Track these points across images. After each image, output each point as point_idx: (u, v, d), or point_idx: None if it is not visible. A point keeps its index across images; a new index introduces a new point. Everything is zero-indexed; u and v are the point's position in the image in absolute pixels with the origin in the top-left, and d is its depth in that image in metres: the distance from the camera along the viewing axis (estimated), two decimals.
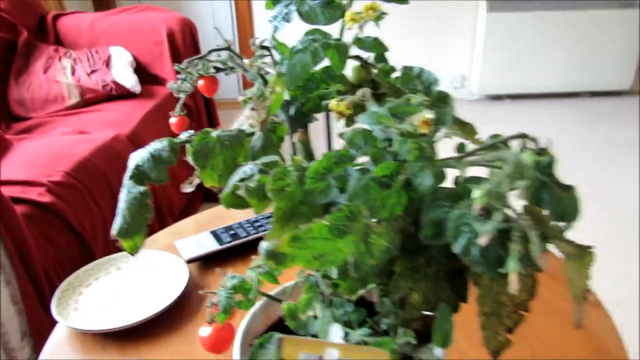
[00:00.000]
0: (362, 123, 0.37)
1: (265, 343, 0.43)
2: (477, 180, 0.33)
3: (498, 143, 0.36)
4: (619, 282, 1.76)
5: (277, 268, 0.32)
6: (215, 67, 0.51)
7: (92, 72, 2.01)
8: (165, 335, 0.73)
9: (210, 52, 0.51)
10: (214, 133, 0.47)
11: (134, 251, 0.47)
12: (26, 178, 1.35)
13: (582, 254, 0.40)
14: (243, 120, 0.48)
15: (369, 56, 0.49)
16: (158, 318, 0.74)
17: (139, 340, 0.72)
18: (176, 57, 2.15)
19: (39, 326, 1.17)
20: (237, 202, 0.42)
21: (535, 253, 0.29)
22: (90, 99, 1.97)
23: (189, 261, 0.85)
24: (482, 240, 0.30)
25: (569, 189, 0.35)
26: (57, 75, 1.98)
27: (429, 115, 0.33)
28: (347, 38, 0.46)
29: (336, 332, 0.43)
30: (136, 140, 1.76)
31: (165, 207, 1.79)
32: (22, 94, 1.96)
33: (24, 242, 1.16)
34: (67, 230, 1.34)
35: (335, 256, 0.33)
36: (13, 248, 1.13)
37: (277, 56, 0.49)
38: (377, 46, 0.47)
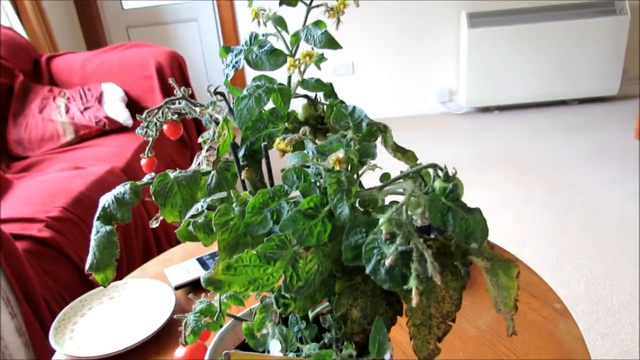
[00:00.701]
0: (291, 161, 0.43)
1: None
2: (385, 208, 0.39)
3: (412, 173, 0.42)
4: (610, 286, 1.79)
5: (218, 292, 0.38)
6: (177, 113, 0.57)
7: (86, 109, 2.09)
8: (154, 357, 0.78)
9: (166, 102, 0.56)
10: (172, 174, 0.52)
11: (105, 283, 0.53)
12: (26, 215, 1.42)
13: (506, 267, 0.45)
14: (202, 159, 0.55)
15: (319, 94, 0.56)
16: (147, 342, 0.80)
17: None
18: (166, 90, 2.23)
19: (44, 356, 1.22)
20: (190, 236, 0.48)
21: (431, 270, 0.34)
22: (84, 135, 2.04)
23: (177, 288, 0.91)
24: (387, 261, 0.35)
25: (473, 211, 0.40)
26: (52, 115, 2.06)
27: (341, 154, 0.39)
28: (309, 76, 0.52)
29: (275, 347, 0.48)
30: (130, 172, 1.83)
31: (163, 238, 1.85)
32: (20, 134, 2.03)
33: (26, 277, 1.22)
34: (67, 263, 1.40)
35: (267, 280, 0.39)
36: (16, 283, 1.19)
37: (231, 101, 0.55)
38: (319, 86, 0.54)
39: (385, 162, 0.53)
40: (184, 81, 2.31)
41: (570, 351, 0.72)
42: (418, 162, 0.51)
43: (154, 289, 0.91)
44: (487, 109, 3.62)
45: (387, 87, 3.58)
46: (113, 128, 2.07)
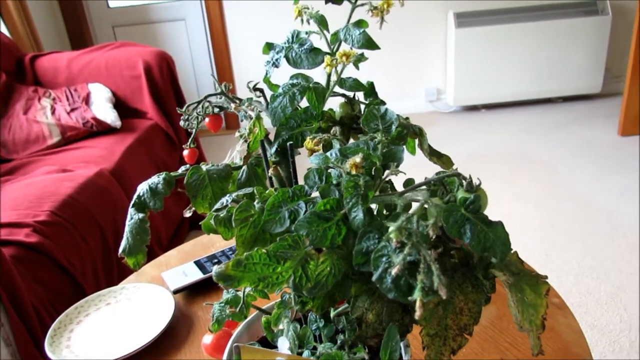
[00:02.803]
0: (312, 162, 0.42)
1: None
2: (397, 215, 0.38)
3: (435, 181, 0.41)
4: (597, 279, 1.83)
5: (229, 286, 0.37)
6: (218, 107, 0.57)
7: (72, 110, 2.05)
8: None
9: (206, 97, 0.58)
10: (204, 167, 0.53)
11: (136, 267, 0.55)
12: (12, 220, 1.38)
13: (534, 283, 0.44)
14: (235, 153, 0.55)
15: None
16: (148, 348, 0.78)
17: None
18: (154, 90, 2.20)
19: None
20: (214, 229, 0.48)
21: (437, 283, 0.33)
22: (71, 137, 2.01)
23: (175, 292, 0.89)
24: (394, 271, 0.34)
25: (495, 225, 0.38)
26: (37, 116, 2.02)
27: (358, 159, 0.38)
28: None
29: (283, 344, 0.48)
30: (119, 174, 1.80)
31: (153, 240, 1.83)
32: (4, 136, 1.99)
33: (13, 285, 1.19)
34: (56, 269, 1.37)
35: (276, 279, 0.38)
36: (3, 291, 1.16)
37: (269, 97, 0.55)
38: (357, 86, 0.53)
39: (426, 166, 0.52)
40: (173, 81, 2.28)
41: (570, 344, 0.73)
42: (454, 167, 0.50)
43: (152, 294, 0.89)
44: (474, 108, 3.64)
45: (375, 86, 3.58)
46: (101, 129, 2.04)
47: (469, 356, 0.73)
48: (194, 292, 0.92)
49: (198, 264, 0.96)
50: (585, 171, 2.63)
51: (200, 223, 0.53)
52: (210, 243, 1.07)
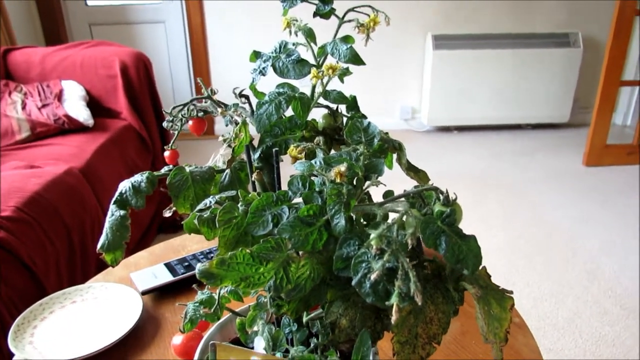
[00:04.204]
0: (297, 169, 0.43)
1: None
2: (378, 224, 0.39)
3: (413, 193, 0.43)
4: (555, 303, 1.88)
5: (210, 285, 0.38)
6: (202, 111, 0.58)
7: (44, 106, 2.02)
8: None
9: (193, 99, 0.58)
10: (188, 169, 0.54)
11: (114, 263, 0.55)
12: None
13: (500, 298, 0.45)
14: (218, 157, 0.55)
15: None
16: (113, 348, 0.77)
17: None
18: (130, 91, 2.19)
19: None
20: (196, 229, 0.49)
21: (413, 290, 0.35)
22: (41, 133, 1.97)
23: (144, 293, 0.89)
24: (373, 276, 0.36)
25: (468, 238, 0.40)
26: (7, 110, 1.98)
27: (342, 167, 0.40)
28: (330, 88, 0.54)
29: (259, 344, 0.49)
30: (89, 174, 1.77)
31: None
32: None
33: None
34: (19, 267, 1.34)
35: (258, 279, 0.39)
36: None
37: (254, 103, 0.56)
38: (340, 99, 0.55)
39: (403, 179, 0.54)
40: (149, 83, 2.26)
41: None
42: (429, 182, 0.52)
43: (119, 294, 0.88)
44: (447, 129, 3.72)
45: (357, 100, 3.63)
46: (72, 127, 2.01)
47: None
48: (162, 295, 0.91)
49: (168, 266, 0.95)
50: (549, 198, 2.70)
51: (177, 219, 0.53)
52: (181, 246, 1.07)
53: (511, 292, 0.46)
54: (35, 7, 3.21)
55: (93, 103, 2.18)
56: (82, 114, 2.05)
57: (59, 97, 2.07)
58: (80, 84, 2.17)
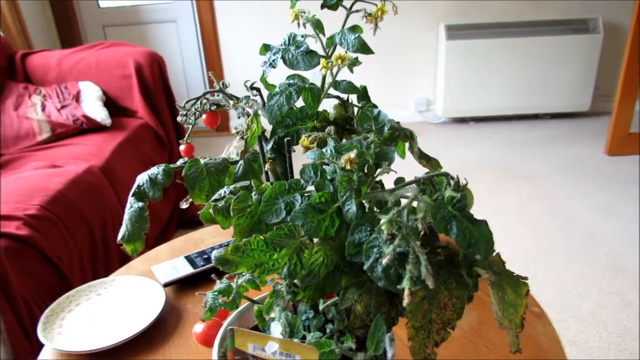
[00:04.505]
0: (309, 157, 0.45)
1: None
2: (389, 209, 0.40)
3: (424, 179, 0.44)
4: (578, 295, 1.85)
5: (227, 270, 0.40)
6: (215, 104, 0.59)
7: (62, 107, 2.06)
8: (143, 354, 0.78)
9: (205, 93, 0.60)
10: (202, 161, 0.56)
11: (134, 253, 0.56)
12: (3, 212, 1.39)
13: (514, 284, 0.46)
14: (232, 149, 0.57)
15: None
16: (137, 339, 0.80)
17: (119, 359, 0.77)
18: (145, 90, 2.22)
19: (23, 355, 1.20)
20: (212, 219, 0.51)
21: (424, 274, 0.36)
22: (61, 134, 2.01)
23: (166, 285, 0.91)
24: (384, 260, 0.37)
25: (479, 223, 0.41)
26: (27, 112, 2.02)
27: (352, 154, 0.41)
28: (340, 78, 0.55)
29: (276, 329, 0.51)
30: (108, 172, 1.81)
31: None
32: None
33: (4, 275, 1.20)
34: (45, 262, 1.38)
35: (272, 265, 0.41)
36: None
37: (265, 96, 0.57)
38: (351, 88, 0.56)
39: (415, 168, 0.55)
40: (164, 82, 2.29)
41: (547, 352, 0.75)
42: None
43: (142, 286, 0.91)
44: (463, 120, 3.69)
45: (368, 90, 3.62)
46: (91, 127, 2.05)
47: (449, 359, 0.75)
48: (183, 287, 0.94)
49: (188, 259, 0.98)
50: (569, 188, 2.65)
51: (196, 214, 0.55)
52: (200, 240, 1.09)
53: (526, 278, 0.47)
54: (50, 11, 3.27)
55: (110, 103, 2.22)
56: (100, 114, 2.09)
57: (77, 98, 2.11)
58: (96, 85, 2.21)
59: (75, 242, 1.51)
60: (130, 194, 0.57)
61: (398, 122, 0.56)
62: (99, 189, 1.72)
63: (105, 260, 1.66)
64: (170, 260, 0.98)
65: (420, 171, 0.53)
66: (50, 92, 2.14)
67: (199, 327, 0.63)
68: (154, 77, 2.24)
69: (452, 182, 0.45)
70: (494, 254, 0.46)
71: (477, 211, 0.41)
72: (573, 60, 3.41)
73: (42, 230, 1.39)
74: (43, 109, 2.04)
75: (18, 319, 1.21)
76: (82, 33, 3.42)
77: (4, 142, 1.97)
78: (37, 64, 2.30)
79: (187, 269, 0.94)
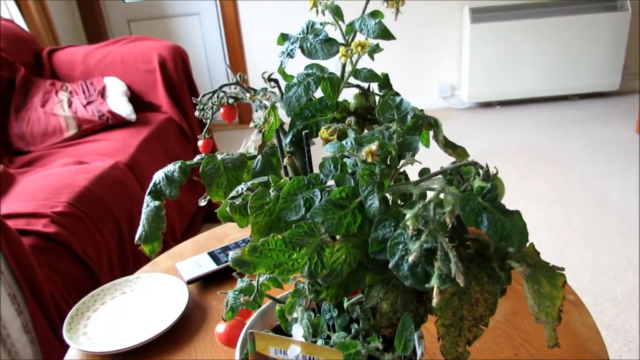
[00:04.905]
0: (328, 150, 0.42)
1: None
2: (414, 203, 0.38)
3: (451, 169, 0.41)
4: (614, 278, 1.81)
5: (245, 272, 0.38)
6: (233, 97, 0.58)
7: (88, 103, 2.07)
8: (168, 352, 0.77)
9: (221, 86, 0.58)
10: (219, 157, 0.54)
11: (152, 254, 0.56)
12: (30, 210, 1.41)
13: (550, 275, 0.43)
14: (250, 143, 0.55)
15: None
16: (162, 337, 0.79)
17: (144, 358, 0.76)
18: (169, 84, 2.22)
19: (51, 353, 1.21)
20: (229, 217, 0.48)
21: (454, 271, 0.33)
22: (87, 130, 2.03)
23: (189, 282, 0.90)
24: (410, 258, 0.34)
25: (512, 214, 0.38)
26: (54, 109, 2.04)
27: (374, 146, 0.38)
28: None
29: (298, 332, 0.48)
30: (134, 167, 1.81)
31: (167, 233, 1.84)
32: (22, 128, 2.02)
33: (32, 273, 1.21)
34: (73, 259, 1.39)
35: (292, 265, 0.38)
36: (22, 279, 1.18)
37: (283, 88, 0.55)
38: (372, 77, 0.53)
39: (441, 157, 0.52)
40: (187, 75, 2.29)
41: (585, 340, 0.73)
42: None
43: (166, 284, 0.90)
44: (489, 104, 3.61)
45: (389, 78, 3.57)
46: (116, 123, 2.06)
47: (483, 351, 0.73)
48: (207, 283, 0.92)
49: (212, 255, 0.96)
50: (601, 169, 2.59)
51: (215, 210, 0.54)
52: (224, 235, 1.08)
53: (562, 269, 0.44)
54: (77, 8, 3.30)
55: (134, 98, 2.23)
56: (125, 110, 2.09)
57: (102, 93, 2.12)
58: (121, 80, 2.22)
59: (103, 238, 1.52)
60: (147, 192, 0.55)
61: (421, 110, 0.53)
62: (125, 184, 1.73)
63: (134, 255, 1.67)
64: (194, 257, 0.97)
65: (447, 161, 0.50)
66: (76, 88, 2.15)
67: (221, 327, 0.61)
68: (177, 71, 2.23)
69: (481, 172, 0.42)
70: (528, 244, 0.43)
71: (509, 197, 0.38)
72: (601, 39, 3.32)
73: (69, 227, 1.40)
74: (70, 105, 2.06)
75: (47, 318, 1.22)
76: (108, 28, 3.45)
77: (32, 139, 2.00)
78: (64, 60, 2.32)
79: (210, 266, 0.93)
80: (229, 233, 1.08)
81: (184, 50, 2.31)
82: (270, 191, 0.43)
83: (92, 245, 1.46)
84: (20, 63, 2.19)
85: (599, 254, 1.95)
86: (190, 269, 0.93)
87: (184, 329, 0.82)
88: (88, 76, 2.26)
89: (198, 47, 3.48)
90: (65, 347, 0.78)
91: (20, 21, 2.60)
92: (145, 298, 0.88)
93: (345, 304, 0.52)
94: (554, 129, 3.15)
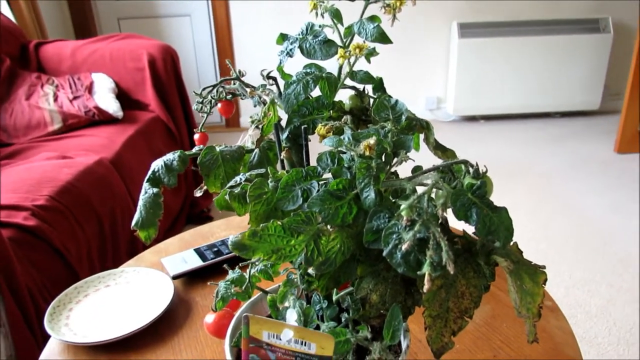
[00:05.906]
0: (326, 144, 0.43)
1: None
2: (408, 196, 0.39)
3: (443, 167, 0.42)
4: (588, 292, 1.85)
5: (244, 256, 0.39)
6: (231, 93, 0.59)
7: (75, 98, 2.06)
8: (152, 346, 0.77)
9: (222, 81, 0.60)
10: (218, 148, 0.55)
11: (148, 240, 0.56)
12: (11, 202, 1.39)
13: (532, 272, 0.45)
14: (247, 137, 0.56)
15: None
16: (145, 330, 0.79)
17: (127, 352, 0.76)
18: (158, 83, 2.21)
19: (25, 348, 1.19)
20: (227, 205, 0.50)
21: (445, 259, 0.35)
22: (72, 125, 2.01)
23: (175, 277, 0.90)
24: (404, 246, 0.36)
25: (499, 210, 0.40)
26: (39, 102, 2.02)
27: (372, 140, 0.40)
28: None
29: (291, 316, 0.49)
30: (119, 164, 1.80)
31: None
32: (5, 120, 1.99)
33: (10, 266, 1.19)
34: (52, 254, 1.37)
35: (289, 252, 0.40)
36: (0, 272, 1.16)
37: (281, 85, 0.57)
38: (367, 79, 0.55)
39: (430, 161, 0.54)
40: (176, 75, 2.29)
41: (561, 344, 0.75)
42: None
43: (151, 278, 0.90)
44: (473, 118, 3.67)
45: (384, 81, 3.62)
46: (103, 119, 2.04)
47: (463, 353, 0.74)
48: (192, 279, 0.92)
49: (198, 251, 0.96)
50: (580, 186, 2.65)
51: (214, 201, 0.54)
52: (209, 233, 1.08)
53: (544, 267, 0.46)
54: (66, 1, 3.27)
55: (122, 95, 2.22)
56: (112, 106, 2.08)
57: (90, 89, 2.11)
58: (109, 77, 2.21)
59: (84, 234, 1.51)
60: (145, 179, 0.56)
61: (413, 114, 0.55)
62: (108, 181, 1.71)
63: (114, 252, 1.66)
64: (180, 253, 0.97)
65: (435, 164, 0.52)
66: (62, 82, 2.14)
67: (210, 318, 0.61)
68: (167, 70, 2.23)
69: (471, 170, 0.44)
70: (512, 243, 0.45)
71: None
72: (583, 60, 3.42)
73: (50, 221, 1.39)
74: (55, 99, 2.04)
75: (23, 312, 1.20)
76: (97, 25, 3.43)
77: (15, 132, 1.97)
78: (51, 54, 2.30)
79: (196, 262, 0.93)
80: (215, 231, 1.09)
81: (174, 50, 2.31)
82: (269, 182, 0.44)
83: (72, 240, 1.45)
84: (6, 54, 2.16)
85: (574, 267, 1.99)
86: (176, 264, 0.93)
87: (168, 323, 0.82)
88: (75, 71, 2.25)
89: (188, 48, 3.47)
90: (40, 344, 0.77)
91: (7, 12, 2.57)
92: (130, 292, 0.88)
93: (335, 297, 0.53)
94: (535, 145, 3.21)
